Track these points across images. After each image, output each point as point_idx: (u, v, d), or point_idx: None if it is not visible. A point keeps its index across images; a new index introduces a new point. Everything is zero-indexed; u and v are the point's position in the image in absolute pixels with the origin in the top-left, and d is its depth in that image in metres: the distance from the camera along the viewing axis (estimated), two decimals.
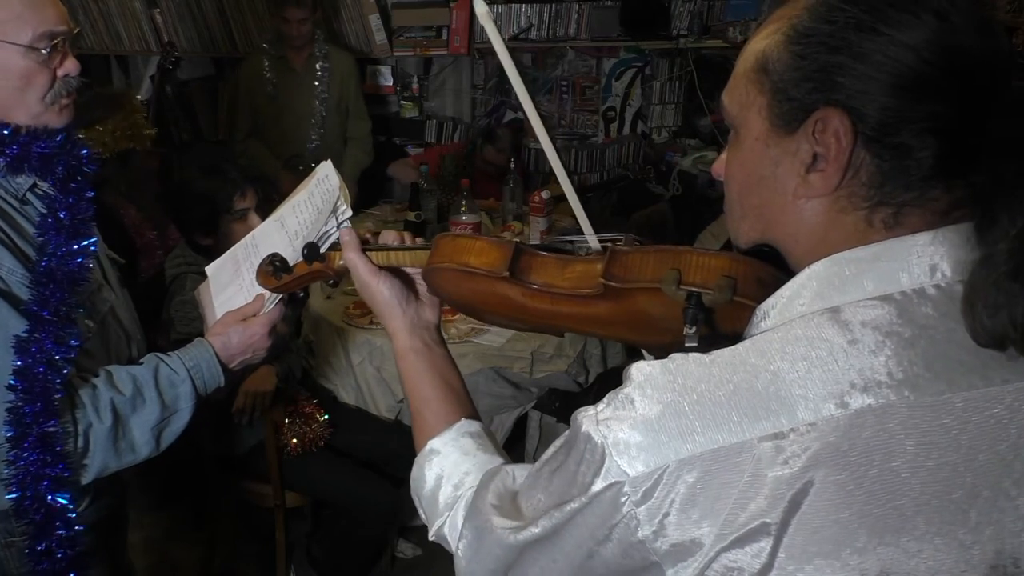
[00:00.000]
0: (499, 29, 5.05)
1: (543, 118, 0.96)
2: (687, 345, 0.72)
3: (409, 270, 1.06)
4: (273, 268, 1.22)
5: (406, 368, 1.02)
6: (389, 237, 1.08)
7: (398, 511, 2.58)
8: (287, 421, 2.52)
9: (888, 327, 0.64)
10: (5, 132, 1.34)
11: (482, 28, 4.97)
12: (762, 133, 0.72)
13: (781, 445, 0.62)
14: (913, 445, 0.62)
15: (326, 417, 2.60)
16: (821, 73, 0.67)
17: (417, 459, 0.98)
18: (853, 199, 0.69)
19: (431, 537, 0.93)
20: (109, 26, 3.96)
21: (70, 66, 1.37)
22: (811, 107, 0.68)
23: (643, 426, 0.65)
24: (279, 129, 3.85)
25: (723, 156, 0.79)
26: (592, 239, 0.94)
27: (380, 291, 1.04)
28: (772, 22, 0.72)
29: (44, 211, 1.38)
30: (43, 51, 1.33)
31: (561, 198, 4.66)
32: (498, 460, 0.93)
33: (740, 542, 0.63)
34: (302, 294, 1.35)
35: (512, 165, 3.96)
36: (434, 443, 0.96)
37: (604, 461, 0.66)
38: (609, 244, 0.89)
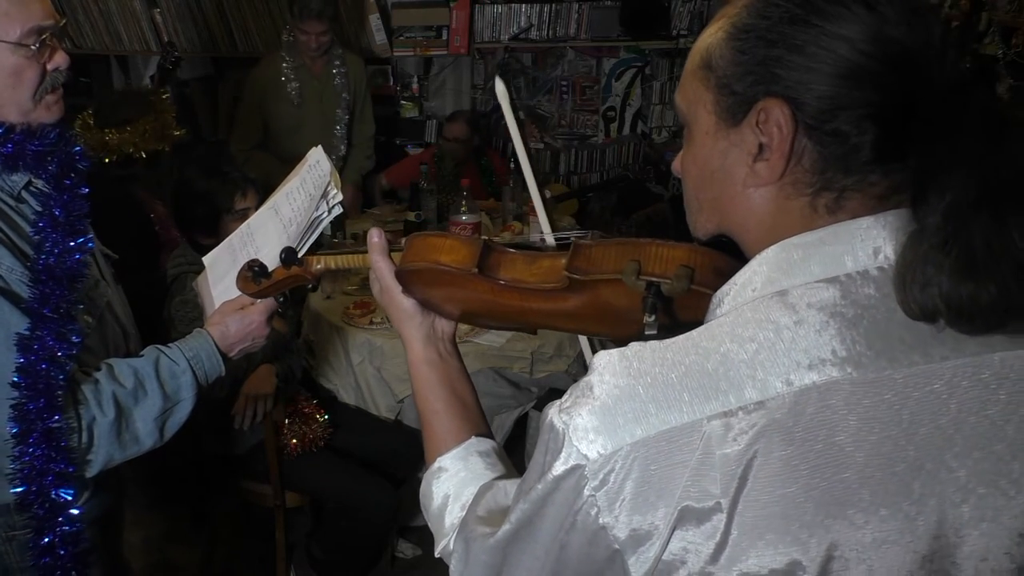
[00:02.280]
0: (499, 32, 4.98)
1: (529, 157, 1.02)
2: (647, 333, 0.74)
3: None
4: (252, 274, 1.22)
5: (419, 379, 1.01)
6: None
7: (398, 511, 2.58)
8: (287, 421, 2.52)
9: (832, 308, 0.67)
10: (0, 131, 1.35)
11: (482, 28, 4.96)
12: (711, 127, 0.75)
13: (729, 423, 0.64)
14: (856, 420, 0.64)
15: (326, 417, 2.60)
16: (761, 66, 0.70)
17: (426, 475, 0.98)
18: (798, 185, 0.71)
19: (437, 554, 0.93)
20: (109, 26, 3.96)
21: (59, 59, 1.37)
22: (753, 99, 0.71)
23: (600, 411, 0.66)
24: (300, 138, 3.67)
25: (680, 154, 0.82)
26: (550, 237, 0.97)
27: (402, 299, 1.01)
28: (716, 21, 0.75)
29: (40, 209, 1.38)
30: (32, 47, 1.33)
31: (559, 198, 4.67)
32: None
33: (694, 521, 0.65)
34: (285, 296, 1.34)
35: (512, 165, 3.96)
36: (443, 461, 0.96)
37: (564, 446, 0.68)
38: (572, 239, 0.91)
